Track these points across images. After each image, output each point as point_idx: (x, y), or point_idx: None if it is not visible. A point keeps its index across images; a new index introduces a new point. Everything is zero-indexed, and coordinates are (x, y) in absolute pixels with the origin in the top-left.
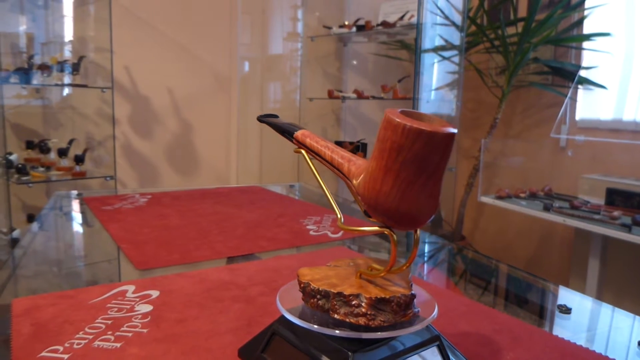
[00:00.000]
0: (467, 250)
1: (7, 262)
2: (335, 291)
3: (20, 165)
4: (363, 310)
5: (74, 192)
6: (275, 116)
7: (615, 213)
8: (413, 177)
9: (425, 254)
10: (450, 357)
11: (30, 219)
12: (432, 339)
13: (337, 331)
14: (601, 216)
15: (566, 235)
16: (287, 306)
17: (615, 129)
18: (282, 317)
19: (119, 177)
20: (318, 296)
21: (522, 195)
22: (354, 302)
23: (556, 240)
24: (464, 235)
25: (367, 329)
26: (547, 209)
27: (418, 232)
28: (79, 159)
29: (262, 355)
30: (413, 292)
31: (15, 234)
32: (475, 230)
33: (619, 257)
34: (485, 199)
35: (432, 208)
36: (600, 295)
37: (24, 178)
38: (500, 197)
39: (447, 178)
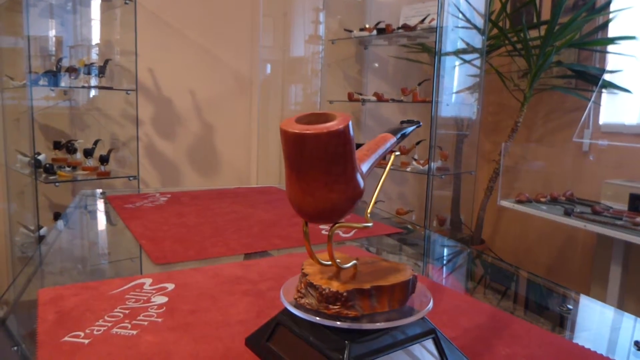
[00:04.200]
0: (478, 253)
1: (32, 257)
2: (303, 269)
3: (47, 165)
4: (299, 287)
5: (98, 191)
6: (417, 123)
7: (638, 219)
8: (288, 171)
9: (436, 255)
10: (446, 349)
11: (57, 217)
12: (427, 332)
13: (338, 322)
14: (623, 222)
15: (588, 241)
16: (291, 299)
17: None
18: (287, 309)
19: (141, 177)
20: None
21: (543, 199)
22: (302, 280)
23: (578, 246)
24: (484, 239)
25: (365, 320)
26: (567, 214)
27: (333, 228)
28: (104, 159)
29: (267, 344)
30: (347, 292)
31: (43, 231)
32: (495, 234)
33: None
34: (505, 203)
35: (311, 205)
36: (622, 301)
37: (51, 177)
38: (520, 202)
39: (466, 181)
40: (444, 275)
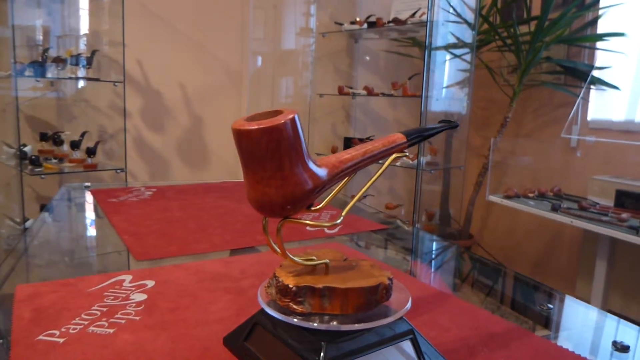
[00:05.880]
0: (465, 250)
1: (13, 250)
2: (282, 262)
3: (33, 157)
4: (271, 277)
5: (83, 184)
6: (453, 124)
7: (624, 215)
8: (242, 165)
9: (421, 253)
10: (423, 350)
11: (43, 209)
12: (405, 333)
13: (315, 324)
14: (609, 218)
15: (575, 237)
16: (268, 299)
17: (627, 130)
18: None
19: (129, 170)
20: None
21: (531, 195)
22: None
23: (565, 241)
24: (472, 233)
25: (342, 321)
26: (555, 209)
27: (281, 223)
28: (91, 152)
29: (244, 344)
30: (296, 287)
31: (28, 223)
32: (484, 229)
33: (626, 260)
34: (493, 198)
35: (253, 198)
36: (607, 297)
37: (37, 169)
38: (508, 197)
39: (456, 176)
40: (428, 274)
